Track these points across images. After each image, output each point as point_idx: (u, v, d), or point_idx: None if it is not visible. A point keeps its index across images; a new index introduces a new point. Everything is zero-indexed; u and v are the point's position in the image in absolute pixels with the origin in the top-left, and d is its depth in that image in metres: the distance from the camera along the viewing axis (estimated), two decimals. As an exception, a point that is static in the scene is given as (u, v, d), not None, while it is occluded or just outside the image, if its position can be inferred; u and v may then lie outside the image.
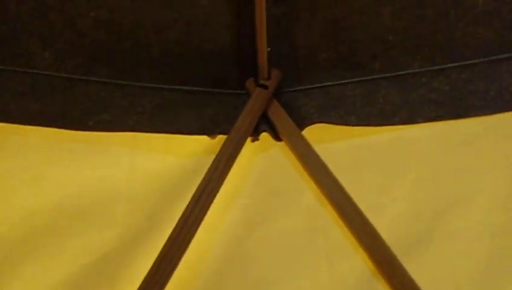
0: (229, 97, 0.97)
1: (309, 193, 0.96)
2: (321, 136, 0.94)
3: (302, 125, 0.94)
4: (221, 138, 0.93)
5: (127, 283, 0.91)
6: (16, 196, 0.93)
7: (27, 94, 0.91)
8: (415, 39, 0.92)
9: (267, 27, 0.87)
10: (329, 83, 0.96)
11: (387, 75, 0.94)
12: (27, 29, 0.89)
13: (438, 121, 0.92)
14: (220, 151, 0.90)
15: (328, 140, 0.96)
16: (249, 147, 0.94)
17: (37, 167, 0.94)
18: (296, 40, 0.93)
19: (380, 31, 0.91)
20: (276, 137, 0.95)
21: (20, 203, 0.93)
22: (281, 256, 0.97)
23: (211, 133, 0.95)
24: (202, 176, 0.89)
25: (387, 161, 0.97)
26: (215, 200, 0.88)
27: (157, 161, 0.97)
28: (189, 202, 0.87)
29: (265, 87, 0.94)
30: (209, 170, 0.89)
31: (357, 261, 0.93)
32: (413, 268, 0.86)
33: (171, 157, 0.97)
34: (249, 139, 0.94)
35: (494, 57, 0.91)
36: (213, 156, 0.90)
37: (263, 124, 0.94)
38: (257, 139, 0.96)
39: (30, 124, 0.90)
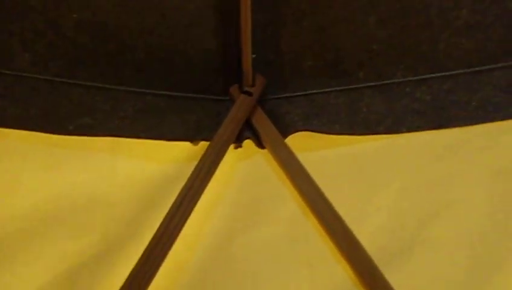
0: (213, 103, 0.96)
1: (291, 202, 0.95)
2: (304, 144, 0.94)
3: (285, 132, 0.94)
4: (203, 145, 0.93)
5: (104, 291, 0.89)
6: (-10, 200, 0.91)
7: (7, 96, 0.89)
8: (399, 48, 0.93)
9: (252, 33, 0.88)
10: (314, 91, 0.96)
11: (371, 84, 0.95)
12: (7, 30, 0.88)
13: (420, 131, 0.93)
14: (202, 157, 0.90)
15: (312, 148, 0.96)
16: (231, 154, 0.94)
17: (13, 171, 0.92)
18: (281, 47, 0.94)
19: (365, 39, 0.92)
20: (259, 144, 0.94)
21: (-6, 208, 0.91)
22: (262, 265, 0.96)
23: (193, 139, 0.94)
24: (184, 182, 0.88)
25: (370, 170, 0.98)
26: (197, 208, 0.87)
27: (138, 167, 0.96)
28: (170, 209, 0.86)
29: (249, 94, 0.93)
30: (191, 176, 0.88)
31: (338, 271, 0.92)
32: (395, 278, 0.86)
33: (152, 163, 0.96)
34: (232, 146, 0.94)
35: (476, 68, 0.93)
36: (195, 163, 0.89)
37: (247, 131, 0.94)
38: (240, 146, 0.95)
39: (8, 127, 0.88)
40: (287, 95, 0.97)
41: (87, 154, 0.94)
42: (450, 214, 0.94)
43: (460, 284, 0.93)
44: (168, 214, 0.86)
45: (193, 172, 0.88)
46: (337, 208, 0.88)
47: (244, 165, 0.98)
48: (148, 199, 0.95)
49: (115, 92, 0.93)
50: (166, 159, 0.96)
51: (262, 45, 0.91)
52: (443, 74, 0.93)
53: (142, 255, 0.84)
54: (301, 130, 0.94)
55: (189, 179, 0.88)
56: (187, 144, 0.94)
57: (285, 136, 0.93)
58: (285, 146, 0.92)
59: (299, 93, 0.97)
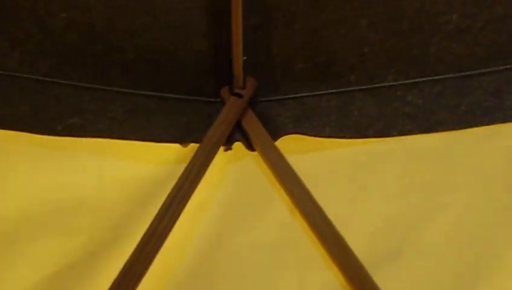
0: (203, 105, 0.96)
1: (280, 204, 0.95)
2: (295, 147, 0.94)
3: (276, 135, 0.93)
4: (193, 146, 0.92)
5: (91, 294, 0.88)
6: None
7: (-6, 96, 0.88)
8: (390, 52, 0.93)
9: (243, 36, 0.87)
10: (305, 94, 0.96)
11: (363, 87, 0.95)
12: (-5, 29, 0.87)
13: (411, 134, 0.93)
14: (192, 159, 0.89)
15: (302, 151, 0.96)
16: (221, 156, 0.93)
17: (0, 172, 0.90)
18: (272, 49, 0.93)
19: (356, 43, 0.92)
20: (250, 147, 0.94)
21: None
22: (251, 268, 0.96)
23: (183, 141, 0.94)
24: (173, 184, 0.87)
25: (361, 174, 0.98)
26: (186, 210, 0.87)
27: (126, 169, 0.95)
28: (159, 211, 0.86)
29: (240, 96, 0.93)
30: (180, 178, 0.88)
31: (327, 275, 0.92)
32: (384, 282, 0.86)
33: (141, 165, 0.96)
34: (221, 148, 0.93)
35: (466, 73, 0.93)
36: (185, 165, 0.89)
37: (237, 133, 0.94)
38: (230, 149, 0.95)
39: (-5, 126, 0.87)
40: (278, 97, 0.96)
41: (76, 155, 0.93)
42: (440, 218, 0.95)
43: (448, 288, 0.93)
44: (157, 216, 0.85)
45: (182, 174, 0.88)
46: (326, 211, 0.88)
47: (234, 168, 0.98)
48: (137, 201, 0.94)
49: (104, 93, 0.92)
50: (156, 161, 0.95)
51: (254, 47, 0.91)
52: (433, 77, 0.93)
53: (131, 257, 0.83)
54: (292, 133, 0.94)
55: (179, 181, 0.87)
56: (177, 145, 0.94)
57: (276, 138, 0.93)
58: (276, 149, 0.91)
59: (290, 96, 0.96)
